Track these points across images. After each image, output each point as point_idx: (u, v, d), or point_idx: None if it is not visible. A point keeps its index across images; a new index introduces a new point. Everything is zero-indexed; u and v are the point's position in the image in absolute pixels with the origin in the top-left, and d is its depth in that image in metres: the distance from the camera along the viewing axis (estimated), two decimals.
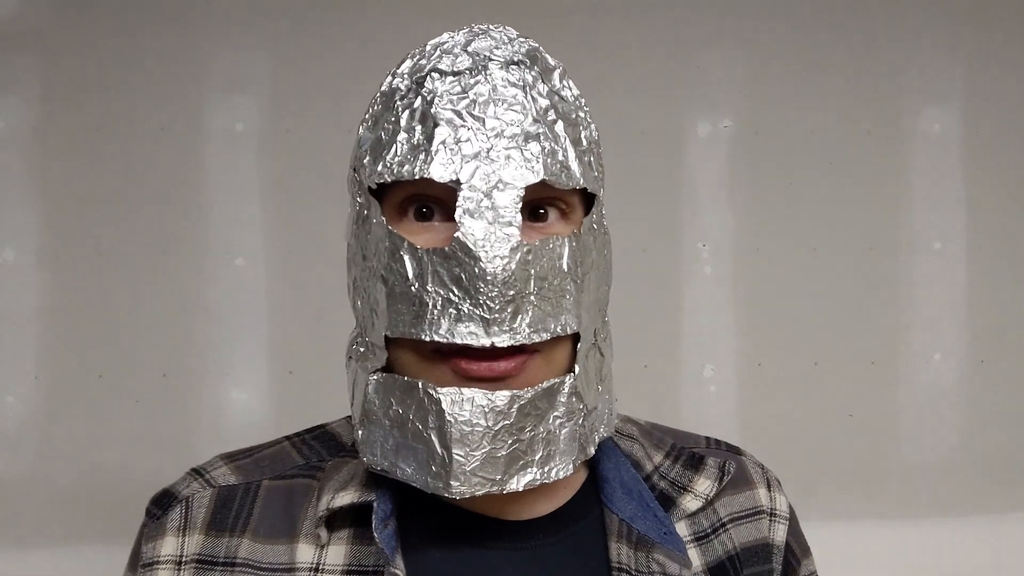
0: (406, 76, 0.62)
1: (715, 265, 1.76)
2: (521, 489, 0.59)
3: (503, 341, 0.56)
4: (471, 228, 0.56)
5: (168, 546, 0.64)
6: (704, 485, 0.69)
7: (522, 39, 0.63)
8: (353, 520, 0.63)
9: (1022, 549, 1.78)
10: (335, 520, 0.63)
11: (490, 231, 0.56)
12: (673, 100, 1.77)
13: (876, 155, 1.79)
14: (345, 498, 0.62)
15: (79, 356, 1.63)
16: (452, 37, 0.62)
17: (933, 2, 1.81)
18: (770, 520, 0.72)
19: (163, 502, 0.66)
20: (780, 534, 0.72)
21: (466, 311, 0.56)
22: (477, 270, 0.56)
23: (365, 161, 0.61)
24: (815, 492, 1.74)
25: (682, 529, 0.67)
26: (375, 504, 0.61)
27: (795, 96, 1.78)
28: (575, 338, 0.62)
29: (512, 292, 0.56)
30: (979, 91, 1.81)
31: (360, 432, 0.63)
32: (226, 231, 1.67)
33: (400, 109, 0.60)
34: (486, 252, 0.56)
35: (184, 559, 0.63)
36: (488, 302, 0.56)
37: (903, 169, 1.80)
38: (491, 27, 0.63)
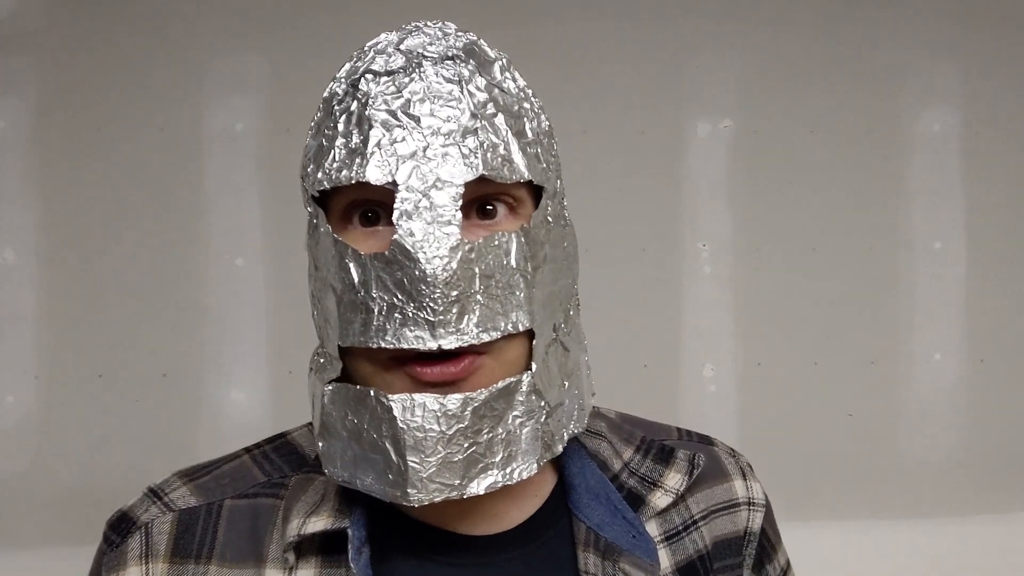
0: (343, 80, 0.61)
1: (715, 265, 1.76)
2: (483, 492, 0.57)
3: (450, 343, 0.55)
4: (409, 229, 0.55)
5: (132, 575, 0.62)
6: (674, 479, 0.69)
7: (460, 33, 0.62)
8: (322, 545, 0.61)
9: (1022, 549, 1.78)
10: (304, 544, 0.61)
11: (429, 231, 0.55)
12: (673, 100, 1.77)
13: (876, 155, 1.79)
14: (317, 524, 0.61)
15: (79, 356, 1.63)
16: (386, 36, 0.61)
17: (932, 3, 1.81)
18: (749, 510, 0.72)
19: (121, 527, 0.64)
20: (757, 522, 0.72)
21: (411, 315, 0.55)
22: (417, 272, 0.54)
23: (309, 170, 0.61)
24: (815, 492, 1.74)
25: (652, 528, 0.67)
26: (350, 532, 0.60)
27: (795, 96, 1.78)
28: (531, 335, 0.60)
29: (456, 292, 0.55)
30: (979, 92, 1.81)
31: (321, 444, 0.62)
32: (226, 231, 1.67)
33: (338, 114, 0.60)
34: (425, 253, 0.54)
35: None
36: (431, 304, 0.55)
37: (903, 169, 1.80)
38: (427, 23, 0.62)
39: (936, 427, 1.80)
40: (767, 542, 0.74)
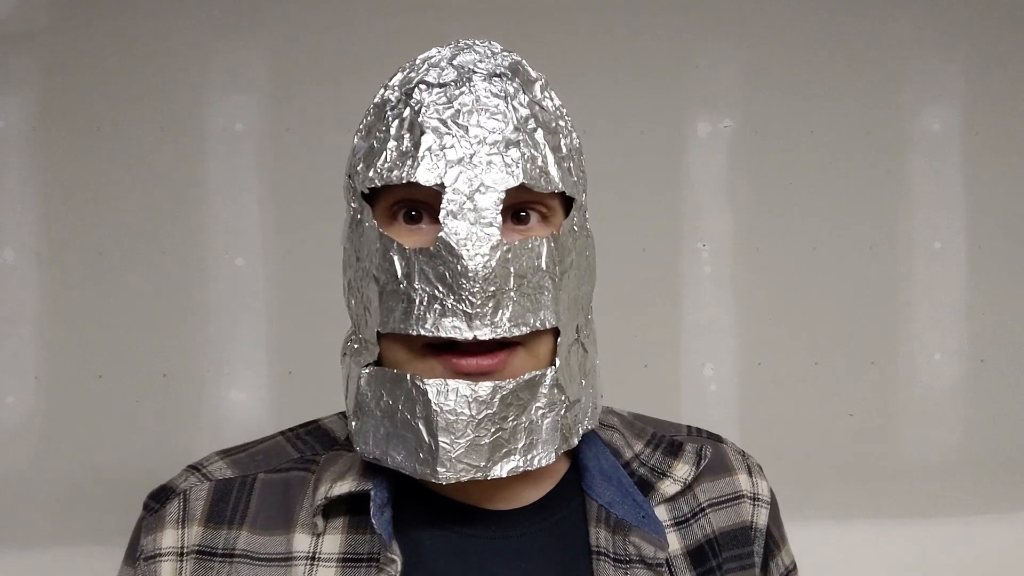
0: (396, 88, 0.66)
1: (715, 265, 1.76)
2: (505, 475, 0.62)
3: (485, 334, 0.60)
4: (454, 228, 0.60)
5: (168, 538, 0.66)
6: (682, 470, 0.73)
7: (505, 53, 0.67)
8: (348, 509, 0.66)
9: (1022, 549, 1.78)
10: (331, 509, 0.66)
11: (472, 231, 0.60)
12: (673, 100, 1.77)
13: (876, 155, 1.79)
14: (343, 487, 0.65)
15: (79, 356, 1.63)
16: (439, 52, 0.66)
17: (933, 2, 1.81)
18: (753, 504, 0.75)
19: (160, 496, 0.69)
20: (762, 518, 0.75)
21: (450, 306, 0.60)
22: (460, 267, 0.59)
23: (359, 168, 0.66)
24: (815, 492, 1.74)
25: (662, 513, 0.71)
26: (372, 492, 0.65)
27: (795, 96, 1.78)
28: (556, 334, 0.65)
29: (493, 288, 0.60)
30: (979, 91, 1.81)
31: (354, 423, 0.67)
32: (226, 231, 1.67)
33: (390, 119, 0.65)
34: (468, 250, 0.59)
35: (185, 550, 0.66)
36: (470, 297, 0.59)
37: (903, 169, 1.80)
38: (476, 42, 0.67)
39: (936, 427, 1.80)
40: (772, 541, 0.76)
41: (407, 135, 0.63)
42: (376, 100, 0.67)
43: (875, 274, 1.79)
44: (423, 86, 0.64)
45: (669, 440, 0.76)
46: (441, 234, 0.60)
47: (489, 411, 0.61)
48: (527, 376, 0.63)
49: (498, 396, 0.61)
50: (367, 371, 0.65)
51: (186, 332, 1.65)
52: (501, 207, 0.61)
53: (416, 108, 0.63)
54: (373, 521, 0.63)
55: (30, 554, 1.60)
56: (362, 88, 1.75)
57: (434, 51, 0.66)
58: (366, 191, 0.65)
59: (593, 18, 1.75)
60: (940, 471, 1.79)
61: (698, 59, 1.78)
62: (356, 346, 0.68)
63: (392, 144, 0.63)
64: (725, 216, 1.77)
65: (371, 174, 0.64)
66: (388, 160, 0.63)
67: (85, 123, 1.64)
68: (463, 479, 0.61)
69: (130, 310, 1.64)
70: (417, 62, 0.66)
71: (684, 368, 1.76)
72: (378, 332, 0.64)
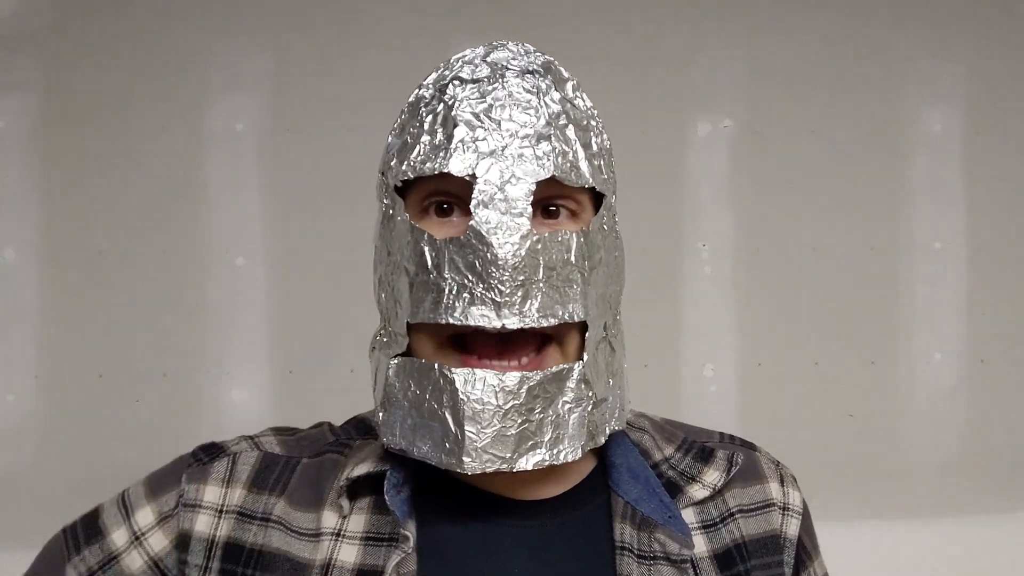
0: (431, 86, 0.67)
1: (715, 265, 1.76)
2: (530, 468, 0.62)
3: (513, 323, 0.60)
4: (485, 217, 0.60)
5: (211, 494, 0.69)
6: (712, 476, 0.72)
7: (538, 53, 0.68)
8: (372, 490, 0.68)
9: (1022, 549, 1.78)
10: (357, 491, 0.68)
11: (502, 220, 0.60)
12: (673, 100, 1.77)
13: (876, 155, 1.79)
14: (362, 468, 0.67)
15: (79, 356, 1.63)
16: (473, 51, 0.68)
17: (933, 2, 1.81)
18: (782, 514, 0.74)
19: (211, 450, 0.73)
20: (793, 528, 0.74)
21: (479, 295, 0.60)
22: (489, 256, 0.60)
23: (391, 164, 0.67)
24: (815, 492, 1.73)
25: (689, 516, 0.70)
26: (388, 472, 0.66)
27: (795, 96, 1.78)
28: (583, 330, 0.65)
29: (522, 277, 0.60)
30: (979, 91, 1.81)
31: (381, 415, 0.68)
32: (226, 231, 1.67)
33: (424, 115, 0.66)
34: (498, 239, 0.60)
35: (225, 509, 0.68)
36: (499, 286, 0.60)
37: (903, 169, 1.80)
38: (509, 42, 0.68)
39: (936, 427, 1.80)
40: (803, 551, 0.75)
41: (440, 129, 0.64)
42: (411, 99, 0.68)
43: (875, 274, 1.79)
44: (456, 82, 0.65)
45: (700, 446, 0.76)
46: (472, 222, 0.60)
47: (516, 401, 0.61)
48: (555, 368, 0.63)
49: (525, 387, 0.61)
50: (395, 362, 0.66)
51: (186, 332, 1.65)
52: (532, 198, 0.61)
53: (449, 103, 0.64)
54: (387, 499, 0.64)
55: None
56: (363, 88, 1.75)
57: (468, 50, 0.68)
58: (399, 184, 0.66)
59: (592, 18, 1.75)
60: (940, 471, 1.79)
61: (698, 59, 1.78)
62: (386, 339, 0.69)
63: (425, 138, 0.64)
64: (725, 216, 1.77)
65: (404, 167, 0.65)
66: (421, 153, 0.64)
67: (85, 123, 1.64)
68: (488, 470, 0.61)
69: (130, 310, 1.63)
70: (451, 61, 0.68)
71: (684, 368, 1.76)
72: (408, 324, 0.65)
